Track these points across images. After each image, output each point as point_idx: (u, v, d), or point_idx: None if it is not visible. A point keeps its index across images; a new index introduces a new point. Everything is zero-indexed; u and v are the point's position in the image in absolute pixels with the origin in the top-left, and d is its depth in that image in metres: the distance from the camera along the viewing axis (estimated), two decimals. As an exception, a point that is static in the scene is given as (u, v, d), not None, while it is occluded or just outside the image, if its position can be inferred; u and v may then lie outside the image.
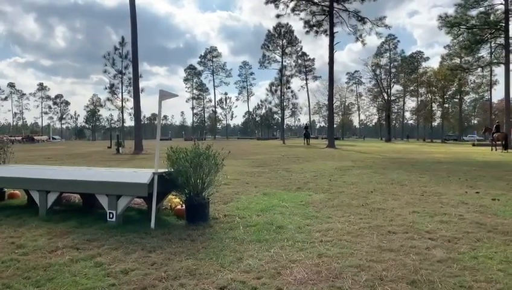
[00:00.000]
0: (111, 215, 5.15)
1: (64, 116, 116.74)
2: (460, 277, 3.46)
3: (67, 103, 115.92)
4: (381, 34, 35.52)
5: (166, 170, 5.30)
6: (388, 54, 77.42)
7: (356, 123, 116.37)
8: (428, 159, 18.19)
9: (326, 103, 57.61)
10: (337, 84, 77.24)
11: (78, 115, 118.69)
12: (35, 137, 62.87)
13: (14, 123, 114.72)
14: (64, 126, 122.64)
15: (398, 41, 79.62)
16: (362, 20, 32.43)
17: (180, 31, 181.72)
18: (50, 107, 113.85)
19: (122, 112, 47.56)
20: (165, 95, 5.05)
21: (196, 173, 5.26)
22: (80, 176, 5.62)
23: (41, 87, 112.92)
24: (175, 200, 5.93)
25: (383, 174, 11.49)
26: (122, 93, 49.44)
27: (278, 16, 34.46)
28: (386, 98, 71.79)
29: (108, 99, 51.90)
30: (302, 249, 4.23)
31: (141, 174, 5.19)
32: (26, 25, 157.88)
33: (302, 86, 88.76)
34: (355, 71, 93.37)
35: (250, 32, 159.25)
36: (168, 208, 6.00)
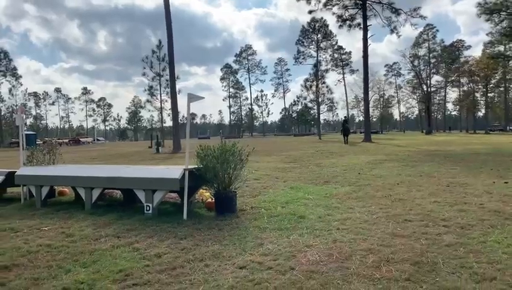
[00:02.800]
0: (148, 208, 5.69)
1: (107, 118, 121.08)
2: (463, 259, 3.71)
3: (109, 105, 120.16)
4: (416, 25, 34.83)
5: (196, 166, 5.78)
6: (427, 44, 75.29)
7: (397, 116, 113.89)
8: (465, 150, 17.90)
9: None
10: (374, 77, 76.17)
11: (121, 117, 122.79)
12: (80, 139, 65.84)
13: (61, 126, 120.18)
14: (107, 128, 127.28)
15: (437, 30, 77.28)
16: (396, 11, 31.98)
17: (217, 30, 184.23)
18: (94, 110, 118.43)
19: (161, 113, 49.11)
20: (192, 97, 5.52)
21: (223, 168, 5.71)
22: (119, 173, 6.22)
23: (85, 91, 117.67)
24: (206, 194, 6.42)
25: (414, 166, 11.56)
26: (160, 94, 51.02)
27: (310, 12, 34.52)
28: (425, 89, 69.93)
29: (147, 101, 53.72)
30: (318, 236, 4.59)
31: (173, 171, 5.70)
32: (70, 32, 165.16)
33: (339, 80, 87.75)
34: (394, 63, 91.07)
35: (287, 28, 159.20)
36: (200, 201, 6.50)
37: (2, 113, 74.48)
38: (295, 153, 19.83)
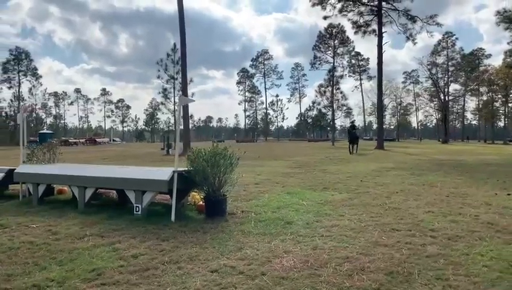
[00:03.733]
0: (137, 209, 5.73)
1: (125, 120, 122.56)
2: (441, 271, 3.64)
3: (128, 107, 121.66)
4: (432, 32, 34.45)
5: (186, 169, 5.80)
6: (445, 52, 74.32)
7: (415, 124, 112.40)
8: (476, 160, 17.57)
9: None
10: (391, 84, 75.42)
11: (139, 118, 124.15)
12: (97, 139, 66.78)
13: (80, 126, 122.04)
14: (125, 129, 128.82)
15: (457, 38, 76.38)
16: (412, 18, 31.68)
17: (236, 34, 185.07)
18: (112, 111, 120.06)
19: (174, 115, 49.40)
20: (184, 100, 5.55)
21: (213, 171, 5.72)
22: (111, 173, 6.30)
23: (104, 92, 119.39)
24: (197, 197, 6.43)
25: (420, 175, 11.39)
26: (174, 97, 51.39)
27: (325, 18, 34.44)
28: (442, 98, 68.97)
29: (162, 103, 54.21)
30: (300, 242, 4.55)
31: (163, 172, 5.73)
32: (92, 33, 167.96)
33: (356, 87, 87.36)
34: (413, 70, 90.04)
35: (306, 33, 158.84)
36: (192, 203, 6.51)
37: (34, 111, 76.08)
38: (303, 158, 19.75)
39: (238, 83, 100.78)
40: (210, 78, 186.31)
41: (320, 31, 66.39)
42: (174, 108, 51.40)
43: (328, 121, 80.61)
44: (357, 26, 33.33)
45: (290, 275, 3.52)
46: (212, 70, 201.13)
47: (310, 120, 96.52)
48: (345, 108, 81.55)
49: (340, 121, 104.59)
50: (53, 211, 6.29)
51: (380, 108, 34.25)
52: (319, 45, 68.50)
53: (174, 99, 50.89)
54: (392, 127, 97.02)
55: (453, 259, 3.96)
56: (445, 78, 73.36)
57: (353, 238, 4.70)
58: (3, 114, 71.48)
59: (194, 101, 4.92)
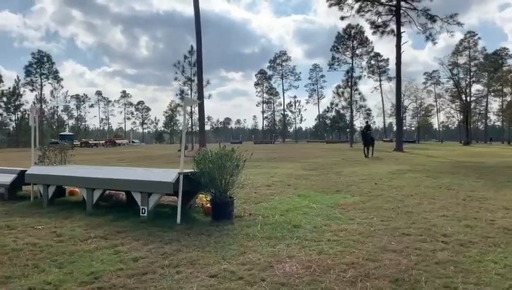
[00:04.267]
0: (143, 211, 5.69)
1: (145, 121, 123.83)
2: (450, 278, 3.47)
3: (148, 109, 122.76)
4: (452, 32, 33.67)
5: (192, 170, 5.74)
6: (467, 52, 72.76)
7: (436, 125, 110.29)
8: (497, 163, 17.06)
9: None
10: (411, 85, 74.16)
11: (158, 120, 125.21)
12: (116, 141, 67.61)
13: (101, 128, 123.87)
14: (145, 130, 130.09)
15: (479, 38, 74.60)
16: (432, 18, 31.05)
17: (255, 36, 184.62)
18: (132, 113, 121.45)
19: (191, 117, 49.69)
20: (188, 101, 5.50)
21: (219, 173, 5.64)
22: (118, 175, 6.29)
23: (124, 94, 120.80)
24: (205, 199, 6.36)
25: (437, 178, 11.09)
26: (191, 99, 51.47)
27: (342, 18, 34.01)
28: (464, 99, 67.53)
29: (179, 105, 54.54)
30: (305, 247, 4.43)
31: (169, 174, 5.69)
32: (113, 37, 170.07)
33: (375, 88, 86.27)
34: (434, 71, 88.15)
35: (325, 34, 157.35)
36: (200, 205, 6.45)
37: (45, 114, 77.67)
38: (319, 160, 19.53)
39: (256, 84, 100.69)
40: (229, 80, 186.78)
41: (339, 32, 65.86)
42: (191, 110, 51.79)
43: (347, 122, 79.89)
44: (375, 27, 32.87)
45: (290, 282, 3.40)
46: (232, 72, 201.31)
47: (328, 121, 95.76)
48: (363, 109, 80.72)
49: (359, 123, 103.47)
50: (61, 212, 6.31)
51: (398, 109, 33.69)
52: (337, 45, 67.98)
53: (191, 101, 51.12)
54: (413, 128, 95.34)
55: (463, 266, 3.78)
56: (467, 79, 71.85)
57: (361, 243, 4.56)
58: (27, 116, 72.96)
59: (199, 102, 4.82)
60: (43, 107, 75.93)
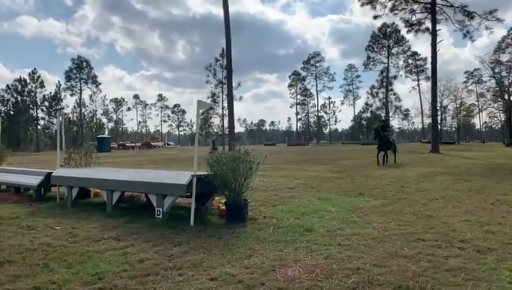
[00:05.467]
0: (158, 213, 5.78)
1: (181, 124, 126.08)
2: (458, 287, 3.33)
3: (183, 112, 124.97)
4: (492, 28, 32.30)
5: (205, 173, 5.78)
6: (511, 50, 69.62)
7: (478, 126, 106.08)
8: (538, 165, 16.25)
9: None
10: (451, 84, 71.80)
11: (193, 123, 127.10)
12: (152, 143, 69.14)
13: (139, 131, 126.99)
14: (181, 133, 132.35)
15: (525, 33, 71.10)
16: (469, 15, 29.95)
17: (290, 37, 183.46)
18: (168, 116, 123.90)
19: (222, 120, 50.11)
20: (202, 105, 5.53)
21: (233, 176, 5.64)
22: (135, 177, 6.41)
23: (161, 97, 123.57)
24: (220, 201, 6.38)
25: (468, 181, 10.68)
26: (222, 101, 52.00)
27: (375, 17, 33.40)
28: (506, 98, 64.69)
29: (211, 108, 55.01)
30: (313, 251, 4.36)
31: (182, 176, 5.74)
32: (151, 41, 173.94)
33: (413, 88, 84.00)
34: (475, 69, 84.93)
35: (362, 34, 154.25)
36: (215, 208, 6.48)
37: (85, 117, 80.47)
38: (349, 162, 19.23)
39: (290, 86, 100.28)
40: (264, 81, 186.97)
41: (374, 31, 64.87)
42: (223, 112, 52.26)
43: (383, 123, 78.18)
44: (409, 25, 32.06)
45: (289, 287, 3.35)
46: (266, 74, 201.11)
47: (364, 123, 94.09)
48: (400, 110, 78.76)
49: (397, 123, 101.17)
50: (82, 213, 6.50)
51: (434, 109, 32.69)
52: (372, 45, 67.09)
53: (223, 103, 51.65)
54: (453, 129, 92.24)
55: (475, 274, 3.61)
56: (511, 77, 68.76)
57: (371, 248, 4.44)
58: (67, 119, 75.85)
59: (212, 105, 4.89)
60: (82, 111, 78.66)
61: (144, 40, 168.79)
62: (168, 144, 76.99)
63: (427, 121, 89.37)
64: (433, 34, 29.77)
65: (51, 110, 71.96)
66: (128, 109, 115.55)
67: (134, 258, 4.12)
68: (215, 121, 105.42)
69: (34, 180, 8.00)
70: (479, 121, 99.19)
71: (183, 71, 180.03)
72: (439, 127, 61.95)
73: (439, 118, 59.91)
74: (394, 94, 62.78)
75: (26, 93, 72.37)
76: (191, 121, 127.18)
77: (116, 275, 3.64)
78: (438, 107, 47.83)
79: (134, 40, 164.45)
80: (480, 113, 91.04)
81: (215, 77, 51.62)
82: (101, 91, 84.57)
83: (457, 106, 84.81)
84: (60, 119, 7.82)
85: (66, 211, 6.73)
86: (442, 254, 4.19)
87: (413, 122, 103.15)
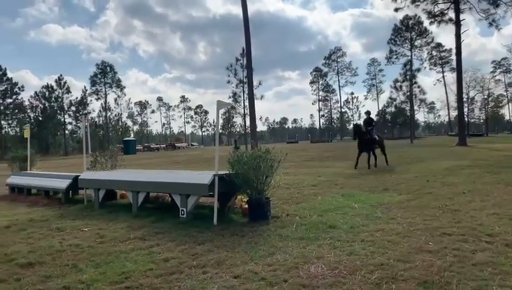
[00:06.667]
0: (182, 212, 5.86)
1: (204, 124, 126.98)
2: (485, 281, 3.27)
3: (206, 112, 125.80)
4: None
5: (227, 172, 5.82)
6: (540, 36, 67.26)
7: (508, 117, 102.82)
8: None
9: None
10: (477, 75, 69.94)
11: (216, 123, 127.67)
12: (176, 144, 69.94)
13: (163, 132, 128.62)
14: (204, 133, 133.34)
15: (554, 20, 68.65)
16: (494, 2, 29.09)
17: (311, 33, 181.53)
18: (192, 117, 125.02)
19: (244, 119, 50.22)
20: (222, 105, 5.58)
21: (254, 174, 5.67)
22: (159, 178, 6.52)
23: (183, 99, 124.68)
24: (242, 200, 6.42)
25: (497, 173, 10.40)
26: (243, 101, 52.08)
27: (396, 10, 32.86)
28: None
29: (232, 107, 55.25)
30: (336, 248, 4.34)
31: (204, 176, 5.81)
32: (173, 44, 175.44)
33: (438, 80, 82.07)
34: (503, 58, 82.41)
35: (384, 26, 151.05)
36: (238, 207, 6.52)
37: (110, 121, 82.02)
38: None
39: (312, 82, 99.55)
40: (285, 79, 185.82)
41: (396, 24, 63.66)
42: (244, 111, 52.29)
43: (407, 117, 76.85)
44: (431, 16, 31.37)
45: (312, 283, 3.36)
46: (288, 72, 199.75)
47: (388, 117, 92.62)
48: (425, 103, 77.23)
49: (423, 117, 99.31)
50: (109, 214, 6.65)
51: (460, 101, 31.93)
52: (394, 38, 65.83)
53: (244, 103, 51.73)
54: (481, 121, 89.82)
55: (503, 268, 3.54)
56: (540, 65, 66.50)
57: (395, 244, 4.39)
58: (94, 124, 77.44)
59: (232, 104, 4.94)
60: (107, 114, 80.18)
61: (166, 43, 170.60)
62: (191, 144, 77.75)
63: (454, 113, 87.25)
64: (457, 24, 29.08)
65: (77, 115, 73.60)
66: (152, 111, 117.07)
67: (159, 257, 4.20)
68: (237, 120, 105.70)
69: (63, 184, 8.24)
70: (508, 112, 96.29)
71: (205, 72, 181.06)
72: (466, 119, 60.31)
73: (465, 109, 58.17)
74: (418, 87, 61.36)
75: (53, 99, 74.19)
76: (213, 122, 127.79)
77: (142, 274, 3.72)
78: (464, 99, 46.69)
79: (156, 43, 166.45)
80: (510, 104, 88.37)
81: (236, 77, 51.75)
82: (125, 95, 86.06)
83: (485, 97, 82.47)
84: (86, 123, 8.02)
85: (93, 213, 6.90)
86: (469, 249, 4.12)
87: (439, 115, 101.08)
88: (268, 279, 3.49)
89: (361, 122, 14.96)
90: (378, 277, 3.44)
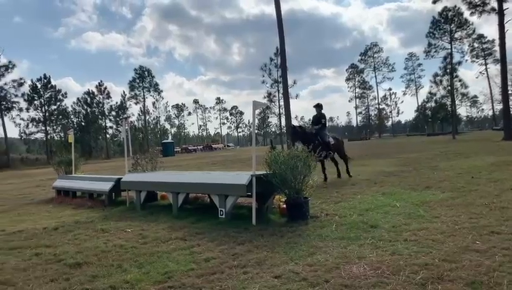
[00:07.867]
0: (221, 213, 5.92)
1: (240, 125, 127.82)
2: (538, 282, 3.11)
3: (241, 113, 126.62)
4: None
5: (264, 172, 5.83)
6: None
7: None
8: None
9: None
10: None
11: (251, 123, 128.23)
12: (213, 145, 70.85)
13: (200, 134, 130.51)
14: (240, 134, 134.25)
15: None
16: (541, -11, 27.72)
17: (346, 30, 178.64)
18: (227, 118, 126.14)
19: (279, 118, 50.19)
20: (257, 105, 5.60)
21: (292, 174, 5.65)
22: (198, 179, 6.63)
23: (219, 100, 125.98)
24: (280, 200, 6.41)
25: (547, 168, 9.91)
26: (279, 100, 51.99)
27: (434, 2, 31.97)
28: None
29: (267, 107, 55.32)
30: (378, 247, 4.26)
31: (242, 177, 5.84)
32: (207, 46, 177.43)
33: (481, 72, 79.06)
34: (552, 46, 78.45)
35: (422, 20, 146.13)
36: (276, 207, 6.51)
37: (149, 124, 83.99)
38: (415, 155, 18.51)
39: (348, 79, 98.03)
40: (321, 77, 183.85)
41: (434, 16, 61.79)
42: (280, 111, 52.24)
43: (448, 112, 74.47)
44: (472, 6, 30.28)
45: (354, 283, 3.31)
46: (323, 70, 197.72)
47: (428, 112, 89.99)
48: (467, 97, 74.57)
49: (465, 111, 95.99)
50: (150, 216, 6.81)
51: (505, 93, 30.68)
52: (433, 31, 63.96)
53: (279, 102, 51.68)
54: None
55: (558, 268, 3.35)
56: None
57: (440, 243, 4.26)
58: (133, 127, 79.48)
59: (268, 104, 4.96)
60: (146, 118, 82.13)
61: (201, 46, 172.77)
62: (228, 145, 78.47)
63: (498, 107, 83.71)
64: (500, 13, 27.93)
65: (117, 119, 75.77)
66: (189, 113, 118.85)
67: (200, 257, 4.26)
68: (273, 120, 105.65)
69: (106, 186, 8.52)
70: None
71: (239, 73, 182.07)
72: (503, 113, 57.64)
73: (511, 102, 55.56)
74: (460, 81, 59.48)
75: (94, 104, 76.71)
76: (248, 122, 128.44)
77: (184, 274, 3.78)
78: (509, 91, 44.68)
79: (191, 46, 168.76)
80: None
81: (271, 77, 51.86)
82: (163, 98, 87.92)
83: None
84: (126, 127, 8.25)
85: (135, 214, 7.08)
86: (520, 248, 3.93)
87: (482, 109, 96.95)
88: (309, 279, 3.46)
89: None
90: (423, 277, 3.34)
